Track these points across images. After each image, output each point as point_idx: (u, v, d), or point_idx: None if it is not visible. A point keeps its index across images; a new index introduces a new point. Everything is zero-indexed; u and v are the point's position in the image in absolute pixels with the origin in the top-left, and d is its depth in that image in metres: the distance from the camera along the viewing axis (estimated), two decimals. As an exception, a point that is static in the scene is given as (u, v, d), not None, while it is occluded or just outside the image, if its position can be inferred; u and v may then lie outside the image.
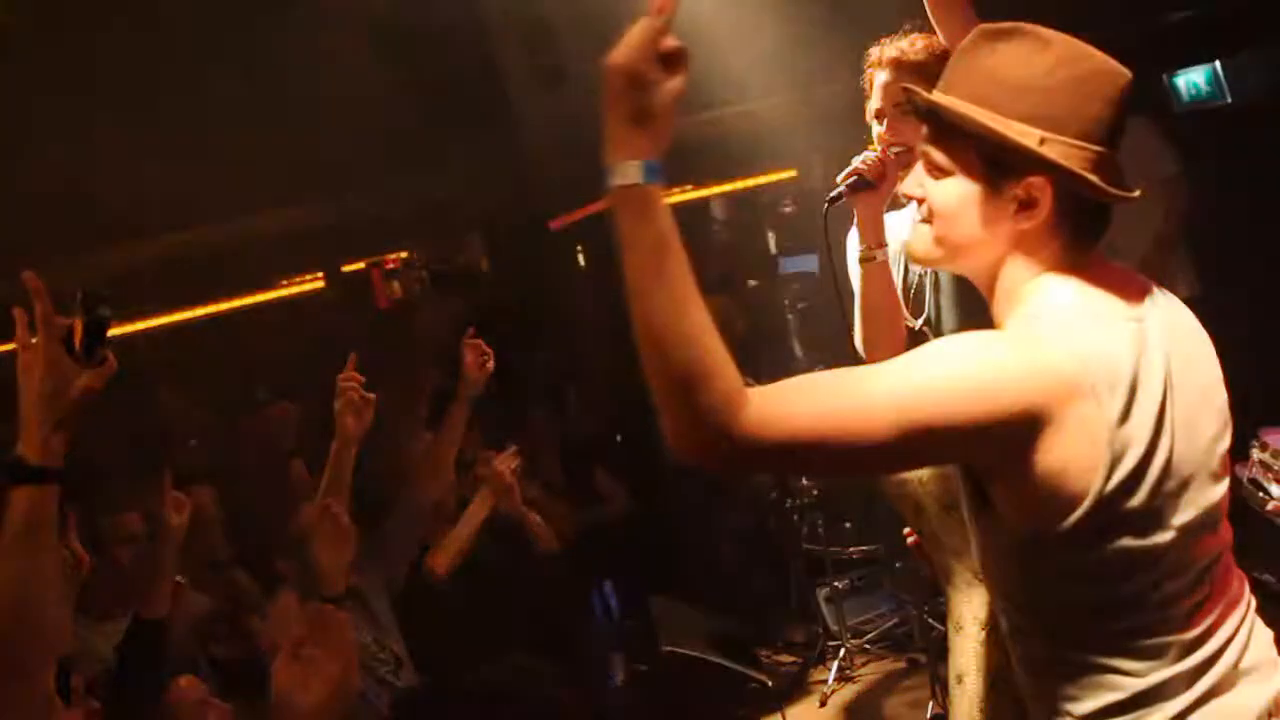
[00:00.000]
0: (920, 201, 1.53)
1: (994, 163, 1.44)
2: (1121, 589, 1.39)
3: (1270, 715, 1.43)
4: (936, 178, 1.50)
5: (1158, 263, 4.43)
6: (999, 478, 1.39)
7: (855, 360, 2.35)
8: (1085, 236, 1.46)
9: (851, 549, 5.06)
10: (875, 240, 2.33)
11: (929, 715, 3.95)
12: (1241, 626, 1.46)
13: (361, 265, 7.03)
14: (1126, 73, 1.44)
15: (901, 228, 2.35)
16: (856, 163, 2.28)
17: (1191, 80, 5.16)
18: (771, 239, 8.19)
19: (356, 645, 1.67)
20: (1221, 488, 1.45)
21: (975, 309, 1.61)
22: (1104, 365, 1.35)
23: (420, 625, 3.33)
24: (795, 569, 5.24)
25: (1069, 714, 1.45)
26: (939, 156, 1.49)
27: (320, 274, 7.15)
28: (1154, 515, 1.36)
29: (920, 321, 2.40)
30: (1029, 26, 1.45)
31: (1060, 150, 1.40)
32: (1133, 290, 1.46)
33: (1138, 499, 1.35)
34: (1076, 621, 1.43)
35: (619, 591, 4.94)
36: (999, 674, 2.32)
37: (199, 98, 4.64)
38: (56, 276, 1.74)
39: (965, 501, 1.50)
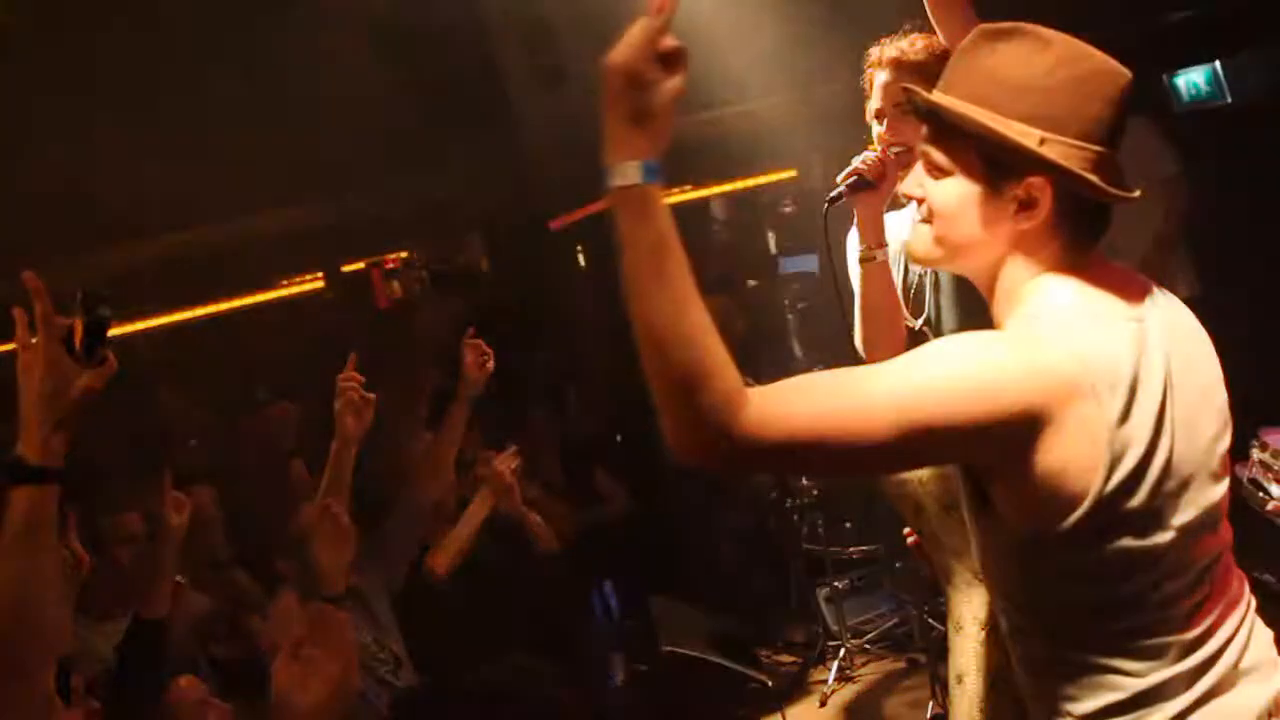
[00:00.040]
0: (920, 201, 1.53)
1: (994, 163, 1.44)
2: (1121, 589, 1.39)
3: (1270, 715, 1.43)
4: (936, 178, 1.50)
5: (1158, 263, 4.43)
6: (999, 478, 1.39)
7: (855, 360, 2.34)
8: (1085, 236, 1.46)
9: (851, 549, 5.06)
10: (875, 240, 2.33)
11: (929, 715, 3.95)
12: (1241, 626, 1.46)
13: (361, 265, 7.04)
14: (1126, 73, 1.44)
15: (901, 228, 2.35)
16: (856, 163, 2.28)
17: (1191, 80, 5.16)
18: (771, 239, 8.19)
19: (356, 645, 1.67)
20: (1221, 488, 1.45)
21: (975, 309, 1.62)
22: (1104, 365, 1.35)
23: (420, 625, 3.33)
24: (795, 569, 5.24)
25: (1069, 714, 1.45)
26: (939, 156, 1.49)
27: (320, 274, 7.15)
28: (1154, 515, 1.36)
29: (920, 321, 2.40)
30: (1029, 26, 1.45)
31: (1060, 150, 1.40)
32: (1133, 290, 1.46)
33: (1138, 499, 1.35)
34: (1076, 621, 1.43)
35: (619, 591, 4.94)
36: (999, 674, 2.32)
37: (199, 98, 4.64)
38: (56, 276, 1.74)
39: (965, 501, 1.50)
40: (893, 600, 5.09)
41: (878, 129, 2.33)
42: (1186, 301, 1.55)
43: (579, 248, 6.58)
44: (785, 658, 5.00)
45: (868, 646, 4.86)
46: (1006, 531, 1.41)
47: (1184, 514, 1.39)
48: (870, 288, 2.36)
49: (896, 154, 2.27)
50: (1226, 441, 1.48)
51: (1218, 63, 5.05)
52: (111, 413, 2.13)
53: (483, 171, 5.78)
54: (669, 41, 1.26)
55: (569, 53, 5.16)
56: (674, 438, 1.28)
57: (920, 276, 2.41)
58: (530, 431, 5.07)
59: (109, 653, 2.82)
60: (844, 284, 2.42)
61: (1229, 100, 5.05)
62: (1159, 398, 1.37)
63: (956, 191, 1.47)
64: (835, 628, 4.87)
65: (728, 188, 7.85)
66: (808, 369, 4.78)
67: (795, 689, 4.69)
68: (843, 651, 4.74)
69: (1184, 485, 1.39)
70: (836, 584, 4.90)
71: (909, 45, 2.28)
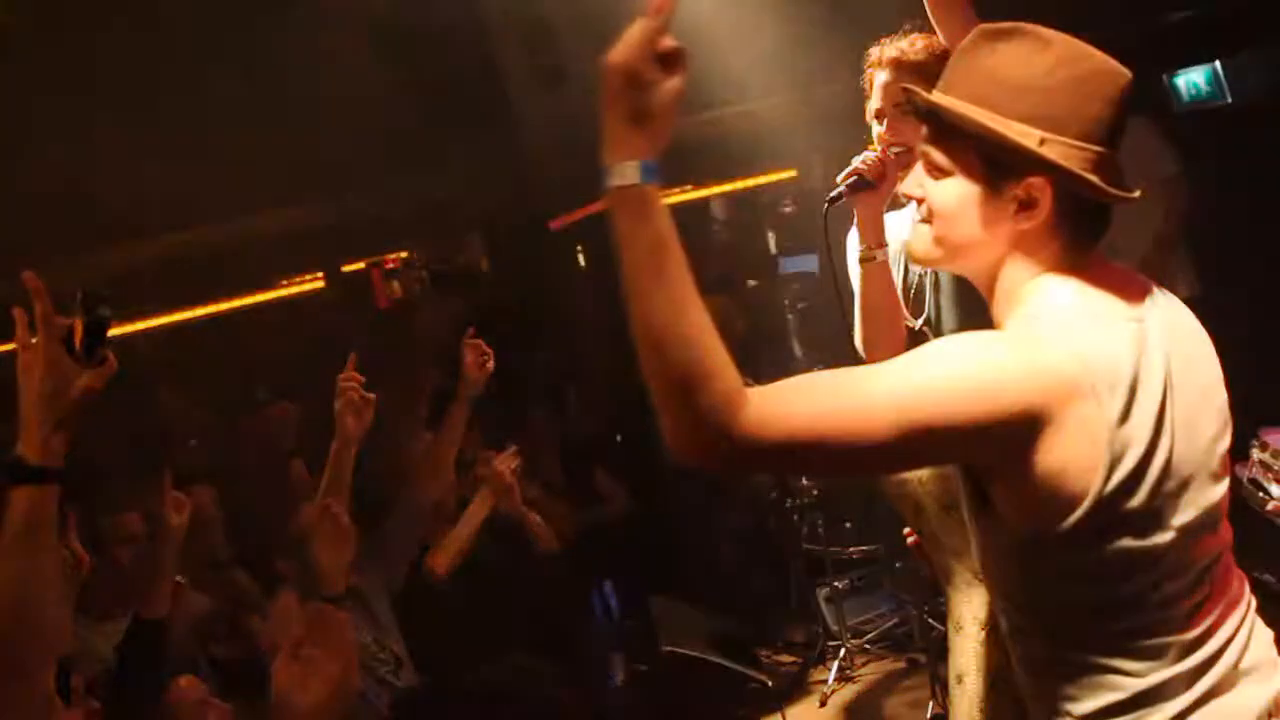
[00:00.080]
0: (920, 201, 1.53)
1: (994, 163, 1.44)
2: (1121, 589, 1.39)
3: (1270, 715, 1.43)
4: (936, 178, 1.49)
5: (1158, 263, 4.43)
6: (999, 478, 1.39)
7: (855, 360, 2.34)
8: (1085, 237, 1.46)
9: (851, 549, 5.06)
10: (875, 240, 2.33)
11: (929, 715, 3.95)
12: (1241, 626, 1.46)
13: (361, 265, 7.04)
14: (1126, 73, 1.44)
15: (901, 228, 2.35)
16: (856, 163, 2.28)
17: (1191, 80, 5.16)
18: (771, 239, 8.19)
19: (356, 645, 1.67)
20: (1221, 488, 1.45)
21: (975, 309, 1.61)
22: (1104, 365, 1.35)
23: (420, 625, 3.33)
24: (795, 569, 5.24)
25: (1069, 714, 1.45)
26: (939, 157, 1.48)
27: (320, 274, 7.15)
28: (1154, 515, 1.36)
29: (920, 321, 2.40)
30: (1029, 26, 1.45)
31: (1060, 150, 1.40)
32: (1133, 290, 1.46)
33: (1138, 499, 1.35)
34: (1076, 621, 1.43)
35: (619, 591, 4.94)
36: (999, 674, 2.32)
37: (199, 98, 4.64)
38: (56, 276, 1.74)
39: (965, 501, 1.50)
40: (893, 600, 5.09)
41: (878, 129, 2.33)
42: (1186, 301, 1.55)
43: (579, 248, 6.58)
44: (785, 658, 5.00)
45: (868, 646, 4.86)
46: (1006, 531, 1.41)
47: (1184, 514, 1.39)
48: (870, 288, 2.36)
49: (896, 154, 2.27)
50: (1226, 441, 1.48)
51: (1218, 63, 5.05)
52: (111, 413, 2.13)
53: (483, 171, 5.78)
54: (668, 42, 1.26)
55: (569, 53, 5.16)
56: (673, 438, 1.28)
57: (920, 276, 2.41)
58: (530, 431, 5.07)
59: (109, 653, 2.82)
60: (844, 284, 2.42)
61: (1229, 100, 5.05)
62: (1159, 398, 1.37)
63: (956, 192, 1.47)
64: (835, 628, 4.88)
65: (728, 188, 7.85)
66: (808, 369, 4.77)
67: (795, 689, 4.69)
68: (843, 651, 4.74)
69: (1184, 485, 1.39)
70: (836, 584, 4.90)
71: (909, 45, 2.28)
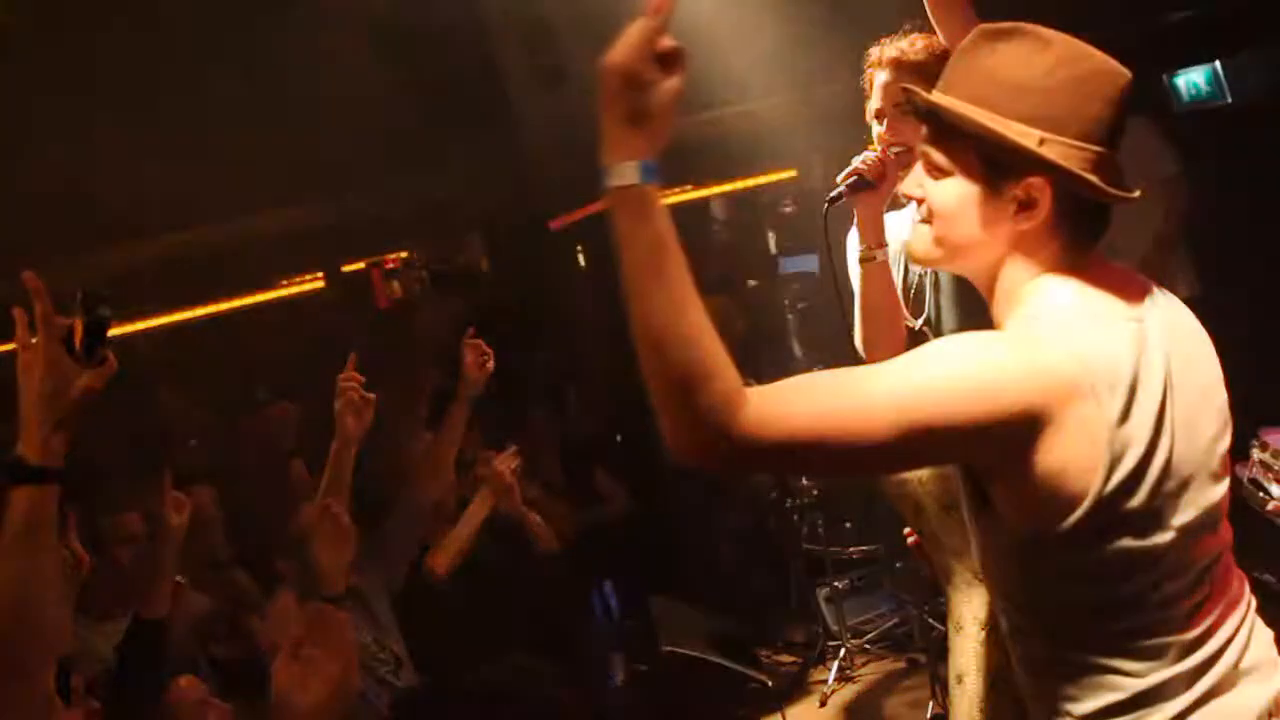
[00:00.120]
0: (920, 201, 1.53)
1: (993, 163, 1.44)
2: (1121, 589, 1.39)
3: (1270, 715, 1.43)
4: (936, 178, 1.50)
5: (1158, 263, 4.43)
6: (999, 478, 1.39)
7: (855, 360, 2.34)
8: (1085, 237, 1.46)
9: (851, 549, 5.07)
10: (875, 240, 2.33)
11: (929, 715, 3.95)
12: (1242, 626, 1.46)
13: (361, 265, 7.03)
14: (1126, 73, 1.44)
15: (901, 228, 2.35)
16: (856, 163, 2.28)
17: (1191, 80, 5.16)
18: (771, 239, 8.19)
19: (356, 645, 1.67)
20: (1221, 488, 1.45)
21: (975, 309, 1.61)
22: (1104, 365, 1.35)
23: (420, 625, 3.33)
24: (795, 569, 5.24)
25: (1069, 714, 1.45)
26: (938, 157, 1.49)
27: (320, 274, 7.15)
28: (1154, 515, 1.36)
29: (920, 321, 2.40)
30: (1029, 26, 1.45)
31: (1060, 151, 1.40)
32: (1133, 290, 1.46)
33: (1137, 499, 1.35)
34: (1076, 621, 1.43)
35: (619, 591, 4.94)
36: (999, 674, 2.32)
37: (199, 98, 4.64)
38: (56, 276, 1.74)
39: (965, 501, 1.50)
40: (893, 600, 5.09)
41: (878, 129, 2.33)
42: (1186, 301, 1.55)
43: (579, 248, 6.57)
44: (785, 658, 5.00)
45: (868, 646, 4.86)
46: (1006, 531, 1.41)
47: (1184, 514, 1.39)
48: (870, 288, 2.36)
49: (896, 154, 2.27)
50: (1226, 441, 1.48)
51: (1218, 63, 5.05)
52: (111, 413, 2.13)
53: (483, 171, 5.78)
54: (667, 42, 1.26)
55: (569, 53, 5.16)
56: (673, 438, 1.28)
57: (920, 276, 2.41)
58: (530, 431, 5.07)
59: (109, 653, 2.82)
60: (844, 284, 2.42)
61: (1229, 100, 5.05)
62: (1159, 398, 1.37)
63: (956, 192, 1.47)
64: (835, 628, 4.88)
65: (728, 188, 7.84)
66: (808, 369, 4.77)
67: (795, 689, 4.69)
68: (843, 651, 4.74)
69: (1184, 485, 1.39)
70: (836, 584, 4.90)
71: (909, 45, 2.28)
